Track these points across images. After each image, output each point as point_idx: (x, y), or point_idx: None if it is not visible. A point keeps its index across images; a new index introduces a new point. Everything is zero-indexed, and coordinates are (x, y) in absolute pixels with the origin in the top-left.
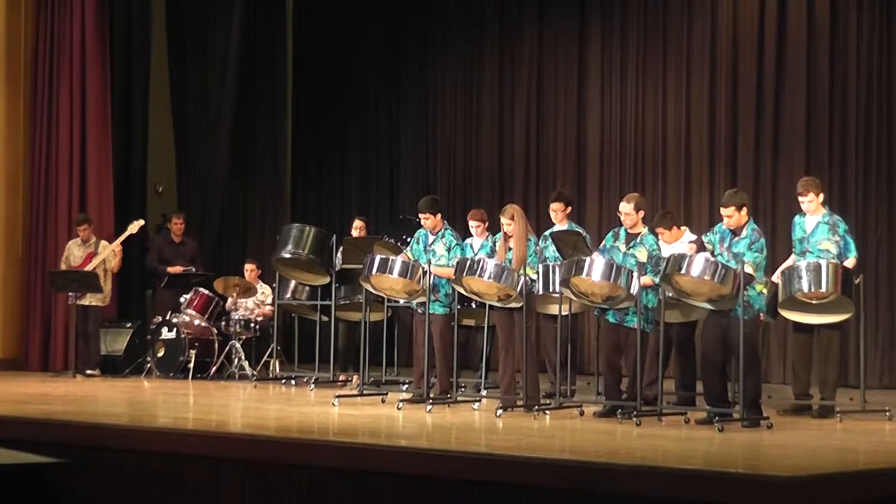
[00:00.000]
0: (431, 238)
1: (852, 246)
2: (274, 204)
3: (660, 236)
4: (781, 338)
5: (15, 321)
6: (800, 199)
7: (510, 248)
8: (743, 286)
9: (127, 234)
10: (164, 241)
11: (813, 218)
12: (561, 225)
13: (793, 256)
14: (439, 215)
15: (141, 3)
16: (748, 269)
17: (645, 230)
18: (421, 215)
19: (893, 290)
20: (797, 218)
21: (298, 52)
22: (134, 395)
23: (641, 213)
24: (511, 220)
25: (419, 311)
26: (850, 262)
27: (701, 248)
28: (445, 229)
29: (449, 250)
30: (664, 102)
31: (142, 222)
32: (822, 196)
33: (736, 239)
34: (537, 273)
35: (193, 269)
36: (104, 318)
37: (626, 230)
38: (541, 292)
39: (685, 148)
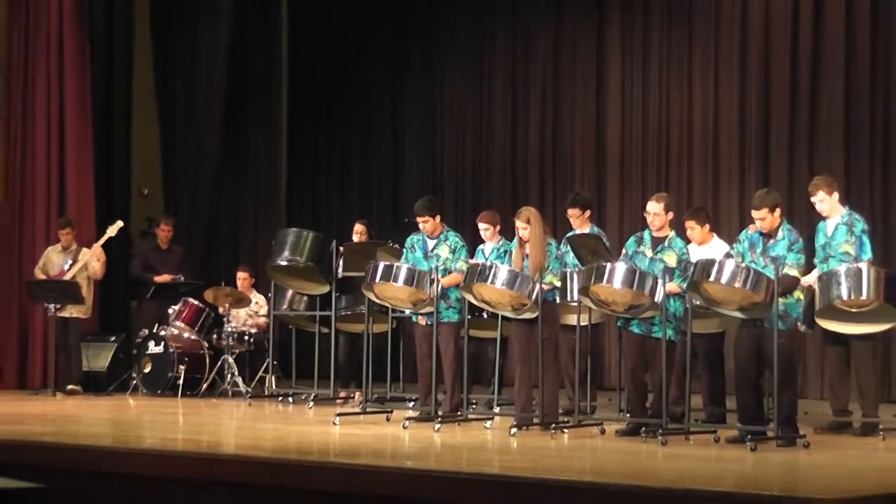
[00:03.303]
0: (432, 243)
1: (867, 248)
2: (268, 207)
3: (690, 231)
4: (819, 350)
5: None
6: (811, 200)
7: (527, 255)
8: (779, 292)
9: (106, 237)
10: (149, 248)
11: (832, 220)
12: (582, 230)
13: (816, 270)
14: (438, 217)
15: None
16: (793, 272)
17: (672, 233)
18: (419, 218)
19: None
20: (820, 224)
21: (294, 41)
22: (118, 414)
23: (670, 215)
24: (527, 224)
25: (423, 322)
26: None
27: None
28: (447, 231)
29: (454, 252)
30: (690, 90)
31: (121, 224)
32: (836, 195)
33: (772, 242)
34: (560, 280)
35: (182, 278)
36: (86, 331)
37: (650, 233)
38: (558, 301)
39: (713, 142)
